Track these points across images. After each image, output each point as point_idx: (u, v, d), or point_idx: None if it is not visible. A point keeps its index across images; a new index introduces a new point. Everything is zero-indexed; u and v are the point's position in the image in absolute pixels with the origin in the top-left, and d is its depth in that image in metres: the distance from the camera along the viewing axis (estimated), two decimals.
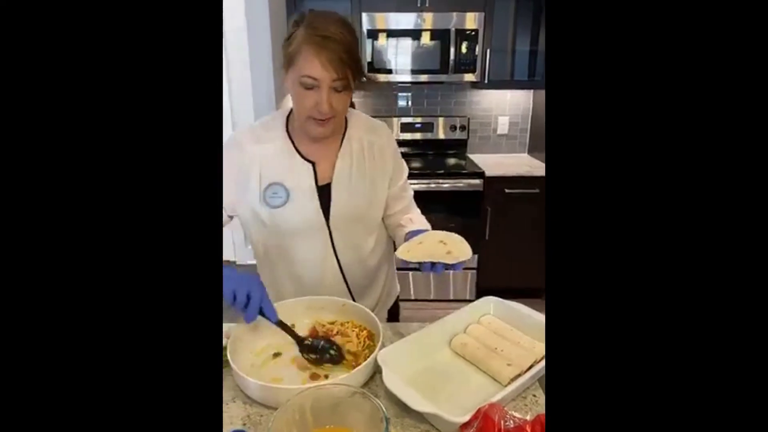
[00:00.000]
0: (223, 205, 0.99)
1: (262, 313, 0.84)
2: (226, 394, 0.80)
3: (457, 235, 0.92)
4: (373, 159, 1.01)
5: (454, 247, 0.89)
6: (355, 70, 0.87)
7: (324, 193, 0.99)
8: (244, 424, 0.73)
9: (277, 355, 0.90)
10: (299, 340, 0.86)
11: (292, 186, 0.97)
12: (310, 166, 0.98)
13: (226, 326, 0.98)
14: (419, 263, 0.87)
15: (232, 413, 0.76)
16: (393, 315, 1.23)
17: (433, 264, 0.86)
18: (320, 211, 0.99)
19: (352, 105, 1.04)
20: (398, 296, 1.25)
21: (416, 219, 1.07)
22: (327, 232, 1.01)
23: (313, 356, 0.85)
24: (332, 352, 0.85)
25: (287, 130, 0.99)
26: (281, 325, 0.86)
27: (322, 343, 0.86)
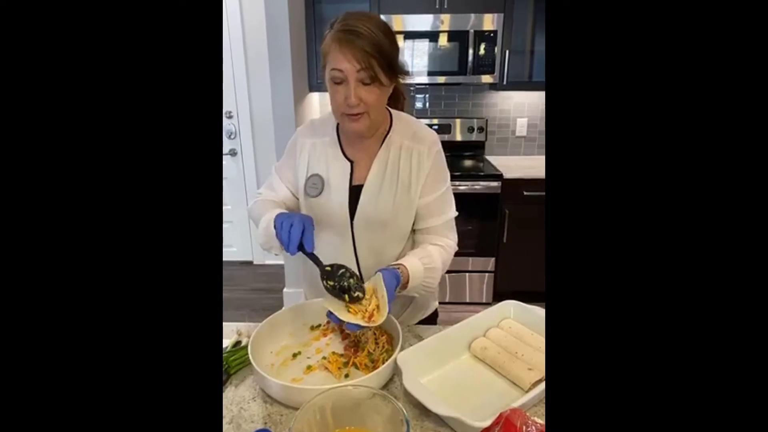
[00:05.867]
0: (290, 190, 1.08)
1: (302, 248, 0.86)
2: (247, 393, 0.81)
3: (387, 307, 0.83)
4: (409, 166, 0.99)
5: (377, 310, 0.85)
6: (384, 64, 0.87)
7: (356, 193, 1.00)
8: (265, 423, 0.74)
9: (296, 355, 0.91)
10: (321, 267, 0.88)
11: (328, 180, 1.01)
12: (348, 165, 1.01)
13: (245, 326, 0.99)
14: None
15: (253, 412, 0.77)
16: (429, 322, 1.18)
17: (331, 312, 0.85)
18: (347, 210, 1.00)
19: (399, 105, 1.05)
20: (436, 310, 1.19)
21: (424, 253, 0.97)
22: (350, 231, 1.01)
23: (331, 283, 0.86)
24: (351, 281, 0.86)
25: (337, 129, 1.03)
26: (311, 256, 0.88)
27: (342, 270, 0.88)
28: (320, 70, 0.97)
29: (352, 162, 1.01)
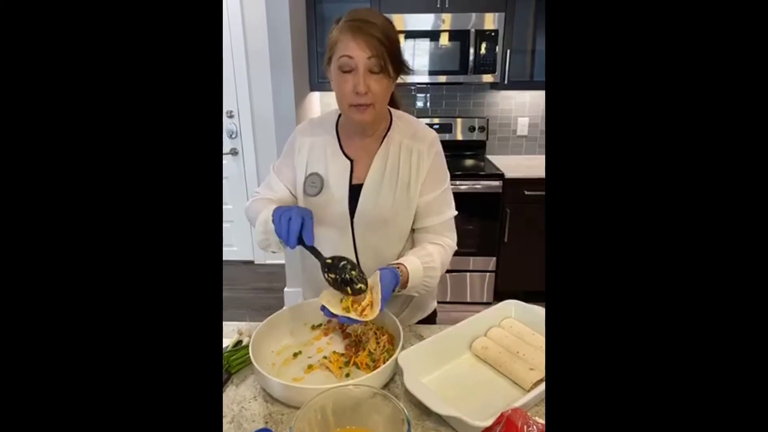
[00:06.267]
0: (289, 189, 1.07)
1: (302, 242, 0.86)
2: (248, 392, 0.81)
3: (380, 303, 0.83)
4: (408, 165, 0.99)
5: (370, 307, 0.85)
6: (392, 56, 0.89)
7: (356, 192, 1.00)
8: (266, 423, 0.74)
9: (297, 354, 0.91)
10: (322, 260, 0.88)
11: (328, 179, 1.01)
12: (348, 163, 1.01)
13: (246, 325, 0.99)
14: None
15: (254, 411, 0.77)
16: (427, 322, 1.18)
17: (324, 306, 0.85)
18: (347, 209, 1.00)
19: (396, 105, 1.05)
20: (435, 310, 1.20)
21: (424, 253, 0.97)
22: (350, 230, 1.01)
23: (332, 276, 0.86)
24: (353, 273, 0.86)
25: (337, 128, 1.03)
26: (312, 249, 0.88)
27: (343, 262, 0.87)
28: (323, 66, 0.96)
29: (351, 160, 1.01)
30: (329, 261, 0.88)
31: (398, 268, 0.91)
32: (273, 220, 0.87)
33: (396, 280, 0.89)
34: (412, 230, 1.05)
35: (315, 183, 1.02)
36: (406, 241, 1.05)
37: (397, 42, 0.90)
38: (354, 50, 0.86)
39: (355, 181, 1.00)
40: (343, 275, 0.86)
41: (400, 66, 0.92)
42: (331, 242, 1.03)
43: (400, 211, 1.00)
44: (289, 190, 1.08)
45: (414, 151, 0.99)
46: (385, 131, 1.01)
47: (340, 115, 1.04)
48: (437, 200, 1.02)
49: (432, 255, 0.97)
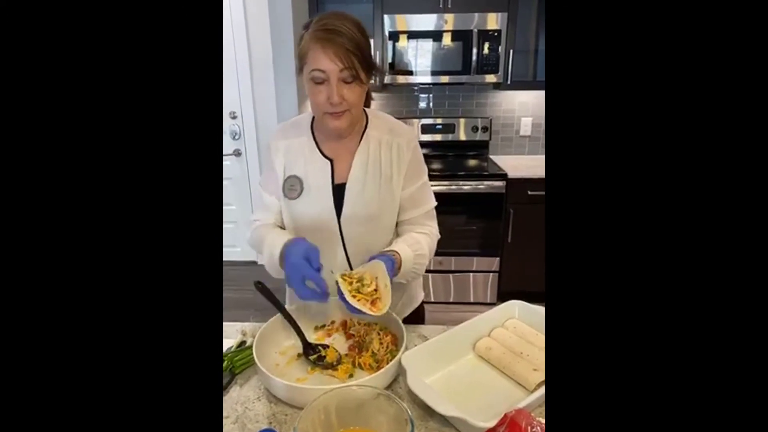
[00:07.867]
0: (273, 195, 1.07)
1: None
2: (252, 393, 0.82)
3: (389, 288, 0.86)
4: (389, 158, 1.01)
5: (380, 299, 0.86)
6: (363, 62, 0.88)
7: (339, 191, 1.00)
8: (270, 423, 0.74)
9: (301, 355, 0.91)
10: (304, 342, 0.92)
11: (308, 181, 1.01)
12: (328, 163, 1.01)
13: (250, 326, 1.00)
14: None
15: (258, 411, 0.77)
16: (417, 318, 1.21)
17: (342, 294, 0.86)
18: (333, 208, 1.00)
19: (368, 103, 1.05)
20: (422, 301, 1.22)
21: (413, 241, 0.99)
22: (338, 229, 1.02)
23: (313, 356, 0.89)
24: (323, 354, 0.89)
25: (312, 129, 1.04)
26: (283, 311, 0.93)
27: (319, 346, 0.90)
28: (296, 73, 0.95)
29: (331, 160, 1.01)
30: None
31: (394, 255, 0.92)
32: (294, 289, 0.89)
33: (393, 268, 0.91)
34: (396, 223, 1.07)
35: (294, 186, 1.02)
36: (392, 235, 1.07)
37: (367, 46, 0.90)
38: (325, 63, 0.86)
39: (337, 181, 1.01)
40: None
41: (371, 69, 0.92)
42: (318, 243, 1.02)
43: (386, 205, 1.02)
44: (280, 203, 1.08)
45: (394, 146, 1.01)
46: (362, 129, 1.02)
47: (314, 117, 1.04)
48: (418, 192, 1.04)
49: (420, 242, 1.00)
